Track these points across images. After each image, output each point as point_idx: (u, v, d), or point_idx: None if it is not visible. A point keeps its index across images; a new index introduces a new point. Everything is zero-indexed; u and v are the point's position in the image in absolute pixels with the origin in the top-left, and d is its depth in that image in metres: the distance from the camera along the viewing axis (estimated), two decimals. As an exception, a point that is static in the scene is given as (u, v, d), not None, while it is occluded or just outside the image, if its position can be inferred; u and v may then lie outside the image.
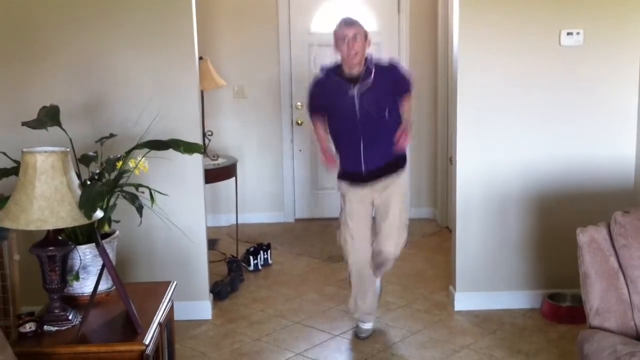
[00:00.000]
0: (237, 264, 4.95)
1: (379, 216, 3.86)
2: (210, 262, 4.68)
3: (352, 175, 3.81)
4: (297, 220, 6.47)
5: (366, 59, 3.69)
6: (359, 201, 3.82)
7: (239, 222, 5.88)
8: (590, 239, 2.70)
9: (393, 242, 3.82)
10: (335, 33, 3.67)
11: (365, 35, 3.66)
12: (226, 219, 6.26)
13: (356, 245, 3.84)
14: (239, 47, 6.23)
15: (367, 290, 3.93)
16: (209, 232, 5.80)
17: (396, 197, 3.81)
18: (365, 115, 3.65)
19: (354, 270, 3.89)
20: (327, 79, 3.76)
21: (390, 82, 3.74)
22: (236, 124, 6.35)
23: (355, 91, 3.64)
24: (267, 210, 6.50)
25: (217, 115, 6.23)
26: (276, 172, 6.47)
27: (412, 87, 3.88)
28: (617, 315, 2.61)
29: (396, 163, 3.81)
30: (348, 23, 3.66)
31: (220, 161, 5.31)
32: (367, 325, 4.01)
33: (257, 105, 6.35)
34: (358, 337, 3.97)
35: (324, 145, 3.89)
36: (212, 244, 5.68)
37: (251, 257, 5.14)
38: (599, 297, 2.63)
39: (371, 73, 3.65)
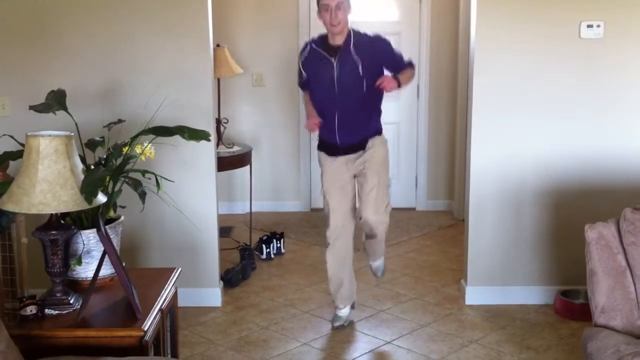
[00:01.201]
0: (249, 252, 4.95)
1: (358, 184, 3.86)
2: (223, 249, 4.70)
3: (329, 146, 3.82)
4: (313, 209, 6.45)
5: (350, 29, 3.69)
6: (337, 174, 3.82)
7: (255, 210, 5.88)
8: (599, 236, 2.64)
9: (371, 208, 3.79)
10: (319, 1, 3.64)
11: (349, 4, 3.64)
12: (242, 207, 6.27)
13: (334, 216, 3.84)
14: (258, 34, 6.21)
15: (344, 266, 3.91)
16: (224, 220, 5.84)
17: (373, 163, 3.79)
18: (342, 88, 3.67)
19: (331, 239, 3.87)
20: (311, 50, 3.77)
21: (372, 53, 3.69)
22: (254, 111, 6.34)
23: (335, 62, 3.67)
24: (284, 199, 6.49)
25: (235, 102, 6.22)
26: (293, 161, 6.45)
27: (409, 62, 3.80)
28: (623, 314, 2.56)
29: (372, 138, 3.82)
30: None
31: (236, 149, 5.31)
32: (343, 312, 3.97)
33: (276, 93, 6.33)
34: (333, 327, 3.94)
35: (309, 108, 3.89)
36: (226, 231, 5.70)
37: (264, 246, 5.14)
38: (605, 295, 2.58)
39: (351, 42, 3.66)
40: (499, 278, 4.25)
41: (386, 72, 3.75)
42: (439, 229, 5.92)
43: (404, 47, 6.21)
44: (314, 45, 3.77)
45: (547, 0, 3.95)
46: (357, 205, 3.89)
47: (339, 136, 3.76)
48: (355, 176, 3.86)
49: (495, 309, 4.16)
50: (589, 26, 3.95)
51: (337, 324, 3.96)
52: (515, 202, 4.16)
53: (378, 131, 3.85)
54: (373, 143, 3.81)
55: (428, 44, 6.23)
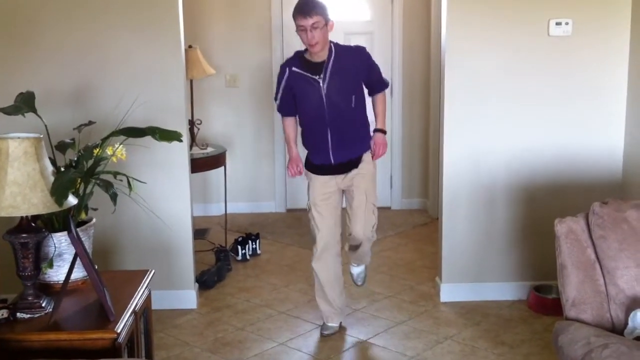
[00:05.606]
0: (225, 253, 4.94)
1: (347, 199, 3.82)
2: (198, 251, 4.68)
3: (320, 167, 3.75)
4: (288, 210, 6.45)
5: (330, 44, 3.59)
6: (324, 188, 3.75)
7: (230, 211, 5.87)
8: (568, 230, 2.68)
9: (360, 224, 3.76)
10: (294, 19, 3.52)
11: (326, 21, 3.51)
12: (217, 209, 6.25)
13: (322, 232, 3.77)
14: (231, 35, 6.20)
15: (332, 283, 3.85)
16: (199, 222, 5.82)
17: (361, 179, 3.73)
18: (332, 106, 3.59)
19: (318, 254, 3.78)
20: (292, 71, 3.64)
21: (356, 65, 3.63)
22: (228, 112, 6.33)
23: (321, 81, 3.57)
24: (259, 200, 6.48)
25: (208, 103, 6.20)
26: (268, 162, 6.44)
27: (385, 82, 3.79)
28: (593, 307, 2.59)
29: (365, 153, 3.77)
30: (306, 10, 3.48)
31: (209, 150, 5.29)
32: (332, 323, 3.90)
33: (249, 94, 6.32)
34: (322, 335, 3.87)
35: (291, 152, 3.82)
36: (202, 233, 5.68)
37: (239, 247, 5.13)
38: (575, 289, 2.62)
39: (334, 57, 3.57)
40: (473, 275, 4.29)
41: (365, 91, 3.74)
42: (414, 227, 5.95)
43: (377, 46, 6.26)
44: (294, 68, 3.63)
45: (517, -3, 4.00)
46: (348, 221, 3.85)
47: (333, 156, 3.68)
48: (343, 190, 3.80)
49: (469, 306, 4.20)
50: (558, 24, 4.00)
51: (327, 332, 3.89)
52: (488, 198, 4.20)
53: (369, 146, 3.78)
54: (364, 159, 3.75)
55: (400, 42, 6.26)
